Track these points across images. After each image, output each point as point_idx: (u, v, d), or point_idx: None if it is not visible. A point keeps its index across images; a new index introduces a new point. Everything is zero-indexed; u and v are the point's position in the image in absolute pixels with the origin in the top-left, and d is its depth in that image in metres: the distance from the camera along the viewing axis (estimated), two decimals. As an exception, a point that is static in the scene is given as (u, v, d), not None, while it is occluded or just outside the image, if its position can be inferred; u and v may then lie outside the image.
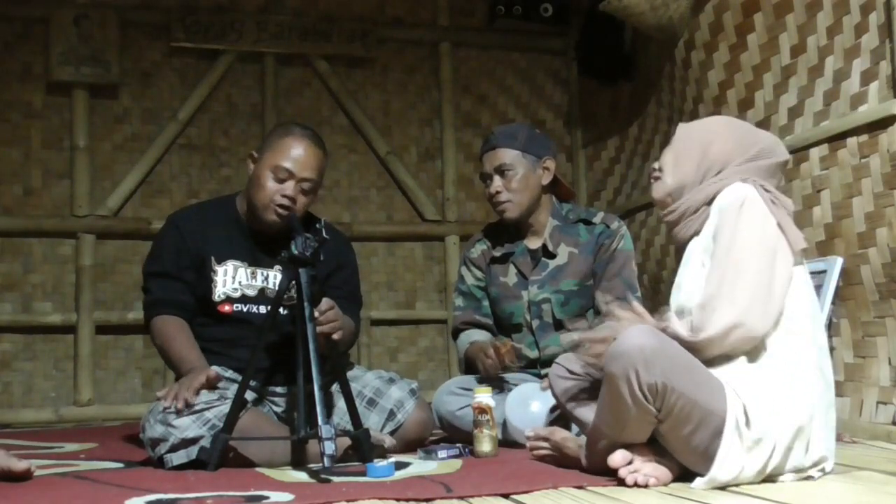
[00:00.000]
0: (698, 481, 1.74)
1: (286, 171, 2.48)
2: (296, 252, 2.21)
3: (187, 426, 2.23)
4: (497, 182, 2.83)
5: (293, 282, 2.22)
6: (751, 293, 1.78)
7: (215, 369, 2.42)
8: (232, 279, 2.56)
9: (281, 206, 2.48)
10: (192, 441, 2.22)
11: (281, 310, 2.37)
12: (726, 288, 1.79)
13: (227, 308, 2.54)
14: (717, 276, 1.82)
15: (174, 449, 2.23)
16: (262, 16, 4.67)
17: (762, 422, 1.74)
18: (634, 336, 1.78)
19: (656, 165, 2.08)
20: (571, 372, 2.20)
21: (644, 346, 1.75)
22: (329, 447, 1.99)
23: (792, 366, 1.80)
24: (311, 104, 4.78)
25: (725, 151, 1.96)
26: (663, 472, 1.82)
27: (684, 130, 2.08)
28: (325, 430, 2.00)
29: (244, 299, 2.56)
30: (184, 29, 4.51)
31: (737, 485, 1.74)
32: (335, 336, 2.31)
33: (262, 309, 2.53)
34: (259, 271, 2.58)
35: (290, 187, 2.49)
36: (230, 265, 2.56)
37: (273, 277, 2.58)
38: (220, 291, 2.55)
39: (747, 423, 1.75)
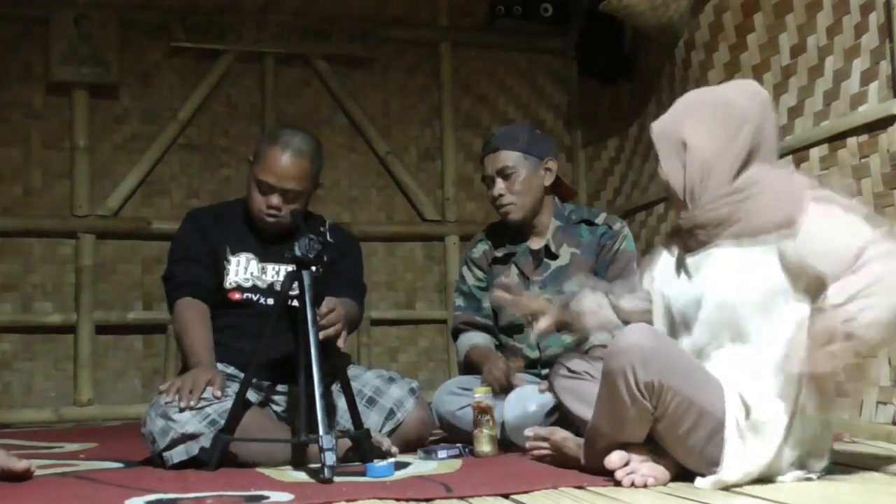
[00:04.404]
0: (702, 481, 1.74)
1: (267, 185, 2.54)
2: (299, 254, 2.22)
3: (187, 420, 2.24)
4: (500, 185, 2.82)
5: (295, 283, 2.23)
6: None
7: (219, 368, 2.43)
8: (244, 269, 2.60)
9: (266, 216, 2.55)
10: (192, 437, 2.23)
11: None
12: None
13: (237, 296, 2.58)
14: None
15: (173, 444, 2.24)
16: (262, 16, 4.67)
17: (764, 420, 1.74)
18: (633, 334, 1.79)
19: (659, 180, 1.98)
20: (572, 371, 2.21)
21: (642, 344, 1.76)
22: (330, 458, 1.98)
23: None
24: (311, 104, 4.78)
25: (707, 146, 1.85)
26: (661, 471, 1.82)
27: (657, 139, 1.95)
28: (326, 441, 2.00)
29: (254, 289, 2.60)
30: (184, 29, 4.51)
31: (741, 484, 1.74)
32: (340, 343, 2.32)
33: (271, 301, 2.58)
34: (269, 266, 2.62)
35: (274, 199, 2.54)
36: (243, 257, 2.61)
37: (283, 273, 2.60)
38: (231, 279, 2.59)
39: (748, 417, 1.74)
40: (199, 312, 2.53)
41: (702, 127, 1.88)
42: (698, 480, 1.75)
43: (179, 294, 2.56)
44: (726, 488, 1.73)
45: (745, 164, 1.86)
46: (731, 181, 1.85)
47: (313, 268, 2.23)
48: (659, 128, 1.97)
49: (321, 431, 2.02)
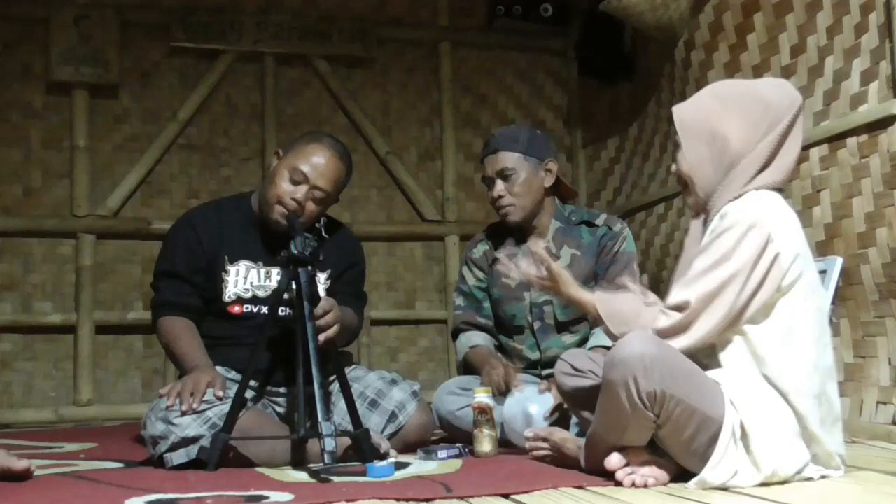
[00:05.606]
0: (691, 482, 1.75)
1: (302, 174, 2.50)
2: (295, 252, 2.21)
3: (188, 424, 2.23)
4: (500, 186, 2.82)
5: (292, 282, 2.22)
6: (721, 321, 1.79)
7: (220, 371, 2.43)
8: (244, 279, 2.56)
9: (287, 207, 2.48)
10: (193, 440, 2.22)
11: (283, 309, 2.37)
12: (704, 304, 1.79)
13: (236, 309, 2.55)
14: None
15: (174, 447, 2.23)
16: (262, 16, 4.67)
17: (760, 437, 1.74)
18: (633, 343, 1.77)
19: (678, 171, 1.95)
20: (576, 368, 2.20)
21: (644, 353, 1.74)
22: (329, 444, 1.98)
23: (795, 375, 1.79)
24: (311, 104, 4.78)
25: (740, 139, 1.84)
26: (661, 472, 1.82)
27: (683, 124, 1.91)
28: (325, 428, 2.00)
29: (255, 300, 2.56)
30: (184, 29, 4.51)
31: (730, 488, 1.73)
32: (322, 337, 2.28)
33: None
34: (273, 271, 2.58)
35: (301, 191, 2.50)
36: (242, 265, 2.57)
37: None
38: (230, 292, 2.55)
39: (744, 434, 1.75)
40: (184, 323, 2.51)
41: (738, 121, 1.84)
42: (690, 482, 1.76)
43: (163, 313, 2.53)
44: (722, 488, 1.73)
45: (763, 168, 1.84)
46: (747, 182, 1.83)
47: (310, 266, 2.23)
48: (687, 115, 1.91)
49: (320, 418, 2.02)
